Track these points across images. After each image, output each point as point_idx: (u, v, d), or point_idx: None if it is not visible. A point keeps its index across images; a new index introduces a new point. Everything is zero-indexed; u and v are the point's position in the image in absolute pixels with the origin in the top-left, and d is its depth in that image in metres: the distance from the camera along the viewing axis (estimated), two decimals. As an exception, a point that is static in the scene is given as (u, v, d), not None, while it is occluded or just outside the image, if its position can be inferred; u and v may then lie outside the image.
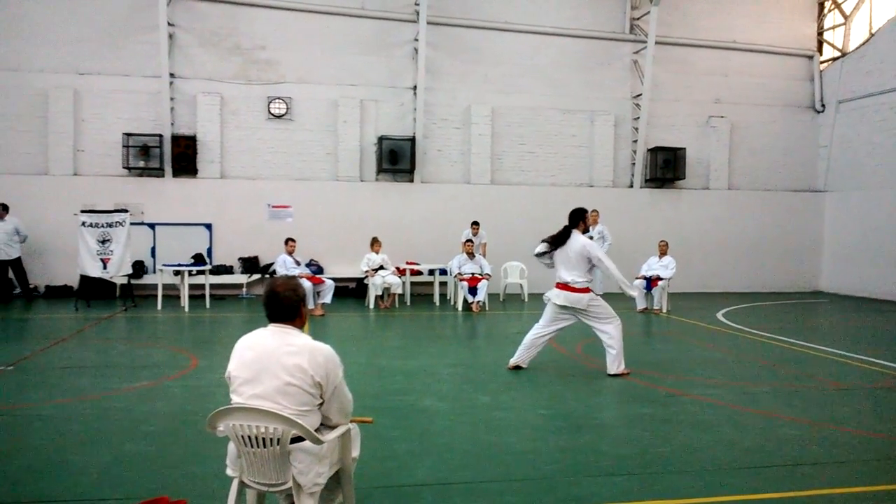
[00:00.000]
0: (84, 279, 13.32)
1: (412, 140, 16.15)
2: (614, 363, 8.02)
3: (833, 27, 18.99)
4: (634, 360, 8.39)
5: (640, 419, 6.37)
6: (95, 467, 4.85)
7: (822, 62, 18.98)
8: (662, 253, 14.42)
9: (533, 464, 5.06)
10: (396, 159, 16.02)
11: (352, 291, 15.99)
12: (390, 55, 16.45)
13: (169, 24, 15.13)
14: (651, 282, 14.10)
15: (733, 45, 18.25)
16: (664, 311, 13.94)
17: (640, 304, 14.08)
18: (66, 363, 8.41)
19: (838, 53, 18.67)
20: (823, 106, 18.79)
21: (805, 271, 18.87)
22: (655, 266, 14.31)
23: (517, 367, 8.26)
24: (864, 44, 17.84)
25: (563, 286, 7.95)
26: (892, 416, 6.56)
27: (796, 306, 15.83)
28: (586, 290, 7.93)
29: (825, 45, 19.12)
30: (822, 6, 18.97)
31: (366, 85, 16.33)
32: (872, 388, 7.75)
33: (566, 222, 8.18)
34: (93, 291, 13.82)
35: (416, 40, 16.14)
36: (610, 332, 7.99)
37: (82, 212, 13.18)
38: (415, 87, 16.37)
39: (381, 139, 16.07)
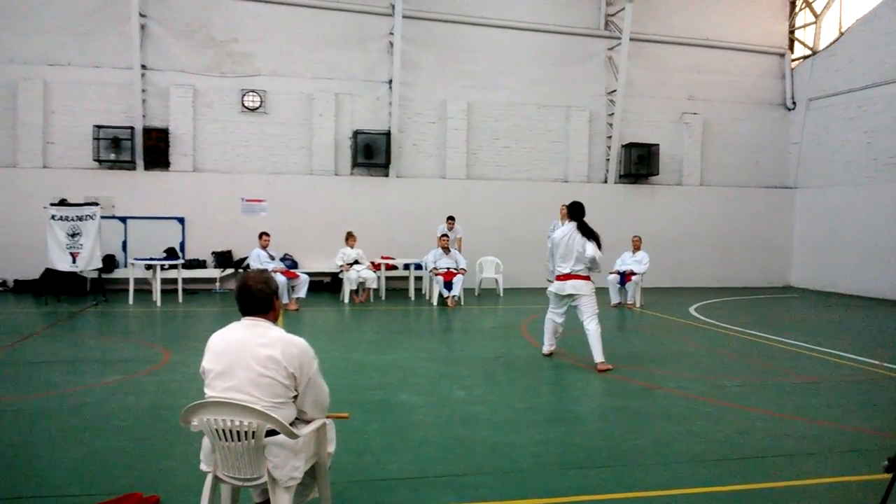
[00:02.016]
0: (53, 273, 13.13)
1: (387, 134, 16.11)
2: (596, 353, 8.19)
3: (804, 26, 19.23)
4: (608, 353, 8.43)
5: (614, 412, 6.42)
6: (67, 463, 4.79)
7: (793, 60, 19.23)
8: (636, 248, 14.53)
9: (508, 457, 5.09)
10: (372, 153, 15.97)
11: (326, 286, 15.92)
12: (366, 49, 16.37)
13: (141, 14, 14.92)
14: (625, 276, 14.20)
15: (706, 42, 18.43)
16: (637, 305, 14.06)
17: (614, 299, 14.21)
18: (36, 358, 8.29)
19: (809, 52, 18.91)
20: (794, 103, 19.04)
21: (775, 266, 19.13)
22: (629, 261, 14.42)
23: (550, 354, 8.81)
24: (834, 43, 18.09)
25: (567, 276, 8.28)
26: (860, 409, 6.68)
27: (767, 301, 16.05)
28: (588, 278, 8.31)
29: (796, 44, 19.36)
30: (793, 4, 19.21)
31: (341, 79, 16.25)
32: (841, 381, 7.88)
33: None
34: (62, 286, 13.63)
35: (392, 34, 16.08)
36: (591, 328, 8.22)
37: (52, 205, 12.98)
38: (390, 82, 16.32)
39: (356, 133, 16.01)
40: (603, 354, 8.13)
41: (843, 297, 16.59)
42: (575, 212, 8.43)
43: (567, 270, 8.29)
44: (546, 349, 8.84)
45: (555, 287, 8.47)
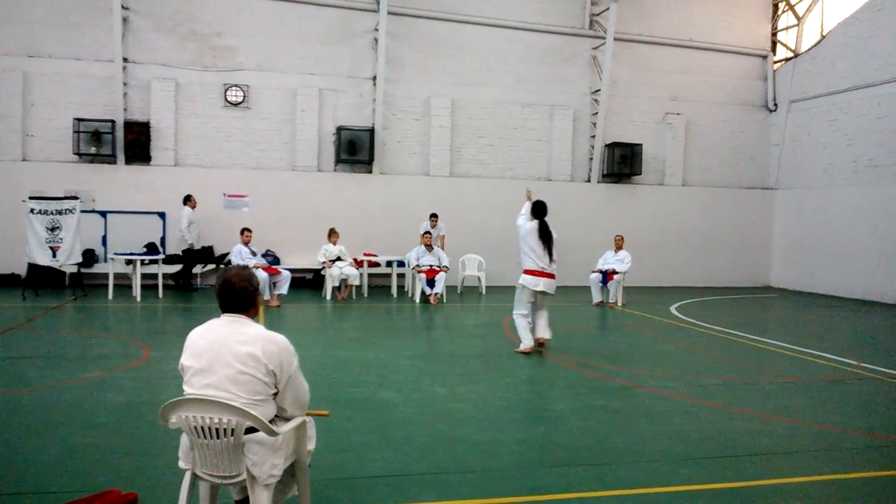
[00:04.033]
0: (32, 267, 12.99)
1: (371, 131, 16.06)
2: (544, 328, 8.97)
3: (786, 28, 19.38)
4: (590, 352, 8.48)
5: (595, 411, 6.44)
6: (44, 459, 4.74)
7: (775, 62, 19.38)
8: (618, 247, 14.59)
9: (489, 455, 5.09)
10: (355, 150, 15.91)
11: (309, 282, 15.86)
12: (350, 45, 16.31)
13: (123, 7, 14.76)
14: (607, 275, 14.26)
15: (690, 43, 18.52)
16: (619, 304, 14.12)
17: (596, 298, 14.26)
18: (13, 353, 8.19)
19: (791, 54, 19.07)
20: (776, 105, 19.19)
21: (755, 266, 19.29)
22: (611, 260, 14.48)
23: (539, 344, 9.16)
24: (815, 45, 18.24)
25: (541, 273, 8.68)
26: (838, 409, 6.74)
27: (747, 301, 16.17)
28: (554, 276, 8.86)
29: (779, 46, 19.51)
30: (776, 7, 19.36)
31: (325, 74, 16.17)
32: (819, 380, 7.96)
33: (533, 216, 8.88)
34: (41, 280, 13.48)
35: (377, 30, 16.02)
36: (545, 314, 9.00)
37: (31, 198, 12.84)
38: (374, 78, 16.27)
39: (339, 129, 15.94)
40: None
41: (822, 298, 16.76)
42: (540, 210, 8.82)
43: (542, 267, 8.65)
44: (528, 346, 8.87)
45: (530, 281, 8.72)
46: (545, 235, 8.68)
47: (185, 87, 15.42)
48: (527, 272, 8.78)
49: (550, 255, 8.69)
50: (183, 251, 14.03)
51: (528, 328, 8.92)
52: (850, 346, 10.20)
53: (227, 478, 3.31)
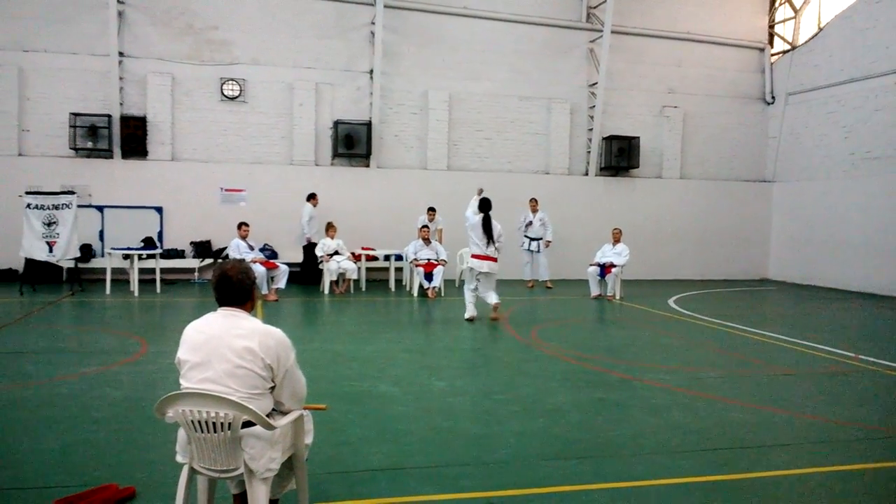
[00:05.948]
0: (29, 262, 12.98)
1: (368, 125, 16.02)
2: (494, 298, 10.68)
3: (784, 20, 19.35)
4: (589, 345, 8.48)
5: (593, 404, 6.45)
6: (41, 454, 4.73)
7: (772, 55, 19.35)
8: (616, 240, 14.58)
9: (488, 448, 5.09)
10: (352, 144, 15.88)
11: (299, 276, 15.81)
12: (347, 38, 16.26)
13: (119, 1, 14.70)
14: (605, 269, 14.25)
15: (687, 35, 18.48)
16: (617, 297, 14.12)
17: (594, 291, 14.25)
18: (11, 348, 8.18)
19: (788, 46, 19.04)
20: (773, 98, 19.18)
21: (753, 259, 19.31)
22: (609, 253, 14.47)
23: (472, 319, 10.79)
24: (812, 38, 18.22)
25: (485, 257, 10.52)
26: (835, 401, 6.75)
27: (745, 293, 16.18)
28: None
29: (776, 38, 19.48)
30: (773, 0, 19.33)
31: (322, 68, 16.13)
32: (816, 373, 7.97)
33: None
34: (39, 275, 13.46)
35: (373, 24, 15.98)
36: (494, 296, 10.67)
37: (27, 193, 12.81)
38: (371, 72, 16.23)
39: (336, 123, 15.91)
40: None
41: (820, 290, 16.78)
42: (485, 206, 10.64)
43: (485, 252, 10.55)
44: (471, 314, 10.76)
45: (476, 264, 10.60)
46: (487, 227, 10.46)
47: (181, 81, 15.37)
48: (473, 256, 10.64)
49: (490, 241, 10.47)
50: (304, 247, 14.58)
51: (473, 301, 10.77)
52: (848, 338, 10.21)
53: (224, 472, 3.30)
